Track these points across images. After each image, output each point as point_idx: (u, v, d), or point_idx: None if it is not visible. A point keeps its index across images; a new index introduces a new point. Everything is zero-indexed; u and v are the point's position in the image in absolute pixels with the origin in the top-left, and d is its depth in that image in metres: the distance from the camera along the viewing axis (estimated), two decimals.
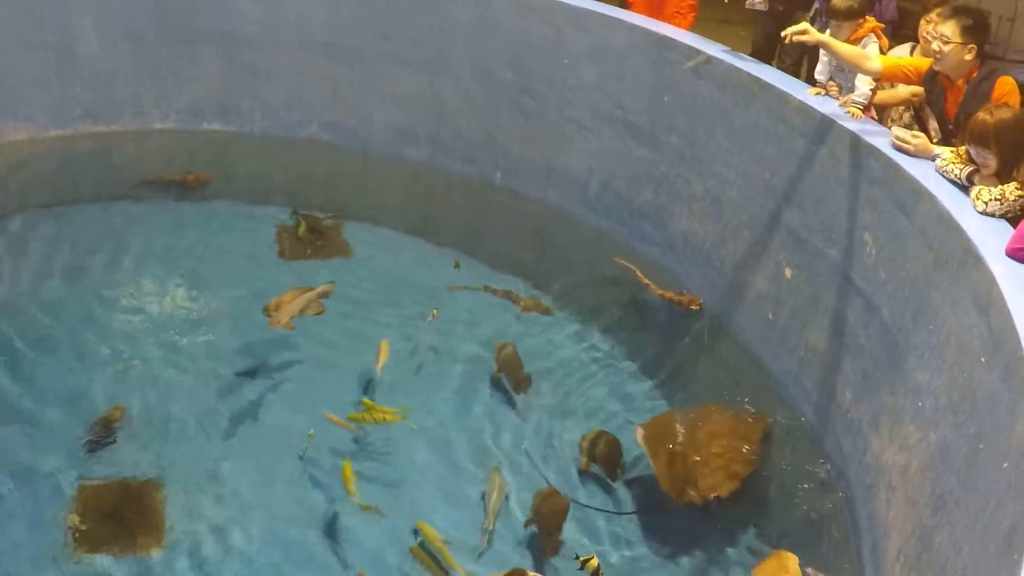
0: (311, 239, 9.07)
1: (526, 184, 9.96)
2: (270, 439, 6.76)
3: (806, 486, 6.76)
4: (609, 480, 6.79)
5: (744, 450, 6.79)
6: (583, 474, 6.84)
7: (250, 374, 7.32)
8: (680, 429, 6.88)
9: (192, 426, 6.83)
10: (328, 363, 7.57)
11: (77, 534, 5.87)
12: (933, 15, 7.05)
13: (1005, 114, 5.76)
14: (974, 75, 6.51)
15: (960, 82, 6.58)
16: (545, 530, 6.26)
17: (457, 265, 8.75)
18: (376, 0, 10.07)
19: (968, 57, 6.44)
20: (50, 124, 10.23)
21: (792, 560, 5.83)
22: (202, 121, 10.75)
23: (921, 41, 7.40)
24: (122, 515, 6.03)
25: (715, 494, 6.49)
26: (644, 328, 8.26)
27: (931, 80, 6.81)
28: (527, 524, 6.31)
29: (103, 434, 6.68)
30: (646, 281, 8.32)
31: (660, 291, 8.25)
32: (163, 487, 6.26)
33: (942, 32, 6.43)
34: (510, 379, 7.50)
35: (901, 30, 9.85)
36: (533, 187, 9.91)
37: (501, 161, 10.08)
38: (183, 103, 10.66)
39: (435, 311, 7.95)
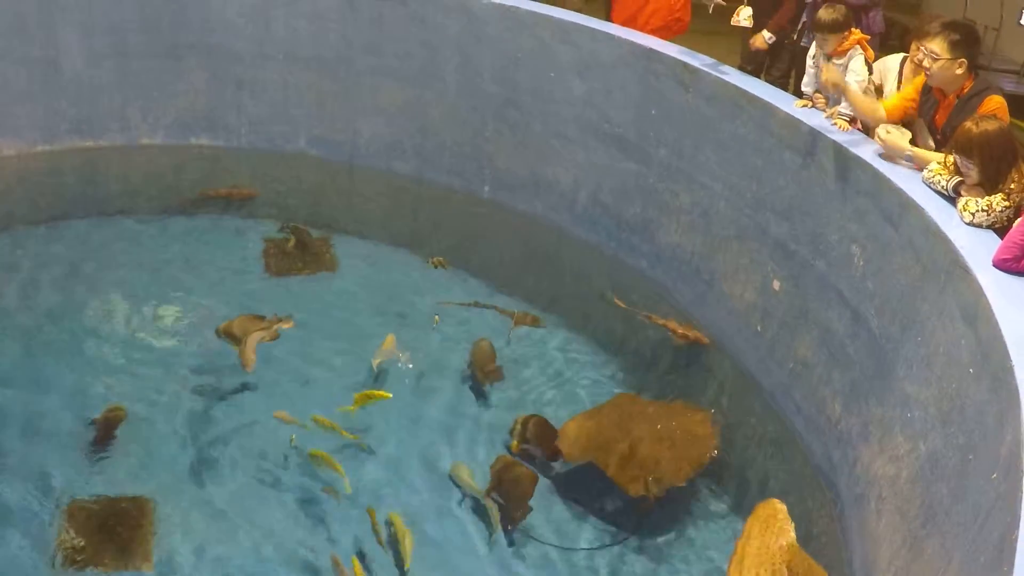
0: (298, 253, 9.06)
1: (513, 197, 9.97)
2: (257, 453, 6.73)
3: (796, 497, 6.77)
4: (551, 463, 6.89)
5: (693, 439, 6.87)
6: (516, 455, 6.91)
7: (237, 389, 7.30)
8: (610, 427, 6.92)
9: (179, 442, 6.80)
10: (316, 376, 7.56)
11: (68, 552, 5.84)
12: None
13: (990, 125, 5.80)
14: (966, 89, 6.54)
15: (952, 96, 6.62)
16: (514, 499, 6.40)
17: (436, 263, 8.79)
18: (364, 14, 10.08)
19: (959, 71, 6.47)
20: (38, 140, 10.21)
21: (780, 504, 6.10)
22: (189, 136, 10.74)
23: (909, 64, 7.41)
24: (112, 532, 5.99)
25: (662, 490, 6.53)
26: (631, 340, 8.25)
27: (926, 92, 6.84)
28: (488, 493, 6.42)
29: (106, 432, 6.77)
30: (645, 314, 8.20)
31: (662, 322, 8.10)
32: (153, 504, 6.22)
33: (931, 48, 6.47)
34: (479, 370, 7.61)
35: (888, 40, 9.90)
36: (521, 200, 9.92)
37: (488, 174, 10.09)
38: (170, 118, 10.65)
39: (436, 318, 8.12)
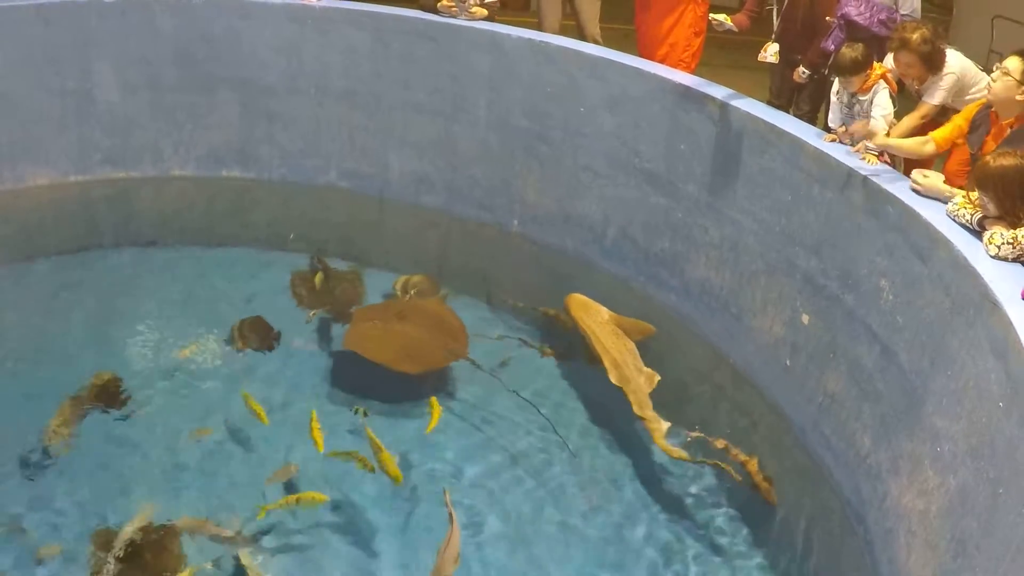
0: (326, 286, 9.07)
1: (543, 231, 10.01)
2: (291, 486, 6.76)
3: (825, 531, 6.77)
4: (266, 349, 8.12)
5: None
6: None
7: (271, 417, 7.29)
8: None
9: (211, 473, 6.84)
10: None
11: None
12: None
13: (1008, 161, 5.76)
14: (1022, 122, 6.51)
15: (1006, 123, 6.58)
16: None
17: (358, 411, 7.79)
18: (395, 49, 10.16)
19: (1019, 98, 6.42)
20: (71, 170, 10.31)
21: (578, 295, 8.55)
22: (221, 168, 10.82)
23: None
24: (141, 562, 6.01)
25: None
26: (659, 372, 8.19)
27: (975, 125, 6.81)
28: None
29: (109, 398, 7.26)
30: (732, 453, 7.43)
31: (745, 459, 7.27)
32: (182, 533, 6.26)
33: (1005, 65, 6.42)
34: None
35: None
36: (550, 234, 9.96)
37: (518, 208, 10.13)
38: (202, 150, 10.74)
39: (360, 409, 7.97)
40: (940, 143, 6.95)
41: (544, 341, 8.55)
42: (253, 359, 7.99)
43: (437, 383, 7.93)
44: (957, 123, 6.97)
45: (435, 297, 8.93)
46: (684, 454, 7.05)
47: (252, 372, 7.86)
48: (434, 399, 7.23)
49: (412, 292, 8.85)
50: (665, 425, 7.16)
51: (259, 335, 8.25)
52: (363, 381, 7.81)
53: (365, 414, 7.33)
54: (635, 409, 7.35)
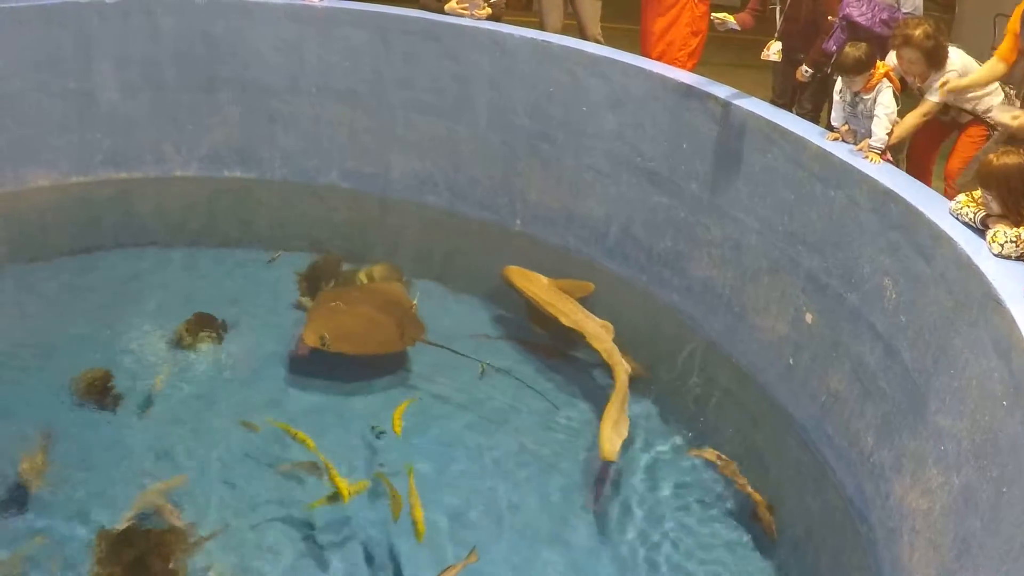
0: (329, 283, 9.06)
1: (545, 231, 10.00)
2: (294, 486, 6.75)
3: (828, 530, 6.75)
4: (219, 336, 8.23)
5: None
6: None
7: (275, 419, 7.28)
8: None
9: (213, 472, 6.82)
10: (349, 413, 7.58)
11: None
12: None
13: (1011, 159, 5.77)
14: None
15: None
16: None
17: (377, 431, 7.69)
18: (397, 49, 10.15)
19: None
20: (72, 171, 10.30)
21: (512, 267, 8.87)
22: (223, 168, 10.82)
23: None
24: (145, 563, 5.99)
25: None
26: (662, 370, 8.23)
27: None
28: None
29: (102, 397, 7.26)
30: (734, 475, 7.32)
31: (741, 482, 7.14)
32: (188, 535, 6.23)
33: None
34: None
35: None
36: (552, 234, 9.95)
37: (520, 208, 10.12)
38: (204, 150, 10.73)
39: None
40: (1006, 55, 6.97)
41: (544, 342, 8.53)
42: (252, 360, 7.99)
43: (420, 375, 8.04)
44: (1011, 30, 6.97)
45: (393, 282, 9.08)
46: (611, 454, 6.99)
47: (253, 373, 7.87)
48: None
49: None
50: (630, 367, 7.70)
51: (207, 328, 8.25)
52: (361, 376, 7.88)
53: (381, 433, 7.30)
54: (604, 357, 7.87)
